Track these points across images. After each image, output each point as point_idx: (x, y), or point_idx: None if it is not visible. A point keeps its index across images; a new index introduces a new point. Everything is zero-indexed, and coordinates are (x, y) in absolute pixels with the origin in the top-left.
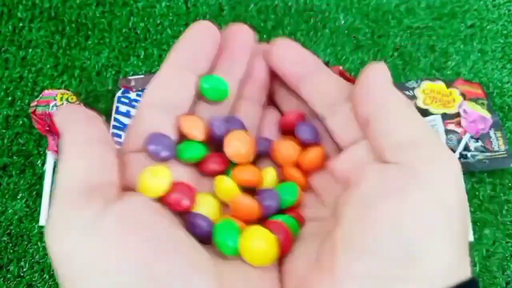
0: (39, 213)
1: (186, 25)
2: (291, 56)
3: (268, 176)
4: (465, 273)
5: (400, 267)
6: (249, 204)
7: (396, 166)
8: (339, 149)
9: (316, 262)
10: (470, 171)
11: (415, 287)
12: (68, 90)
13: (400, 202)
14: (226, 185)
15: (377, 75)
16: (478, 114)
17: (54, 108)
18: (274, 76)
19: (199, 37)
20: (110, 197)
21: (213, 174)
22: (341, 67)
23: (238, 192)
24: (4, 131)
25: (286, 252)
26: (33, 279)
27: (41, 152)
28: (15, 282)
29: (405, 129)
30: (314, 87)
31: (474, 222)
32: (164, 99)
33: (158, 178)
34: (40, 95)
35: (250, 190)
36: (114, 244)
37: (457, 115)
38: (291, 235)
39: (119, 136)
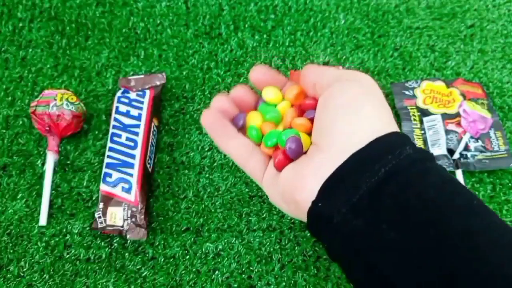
0: (39, 213)
1: (186, 25)
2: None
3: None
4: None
5: (350, 114)
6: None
7: (351, 81)
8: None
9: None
10: (470, 171)
11: (365, 126)
12: (68, 90)
13: (356, 87)
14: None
15: (310, 68)
16: (478, 114)
17: (54, 108)
18: None
19: None
20: None
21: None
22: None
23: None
24: (4, 131)
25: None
26: (33, 279)
27: (41, 152)
28: (15, 282)
29: (334, 72)
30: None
31: None
32: None
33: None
34: (40, 95)
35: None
36: None
37: (457, 115)
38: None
39: (119, 136)
